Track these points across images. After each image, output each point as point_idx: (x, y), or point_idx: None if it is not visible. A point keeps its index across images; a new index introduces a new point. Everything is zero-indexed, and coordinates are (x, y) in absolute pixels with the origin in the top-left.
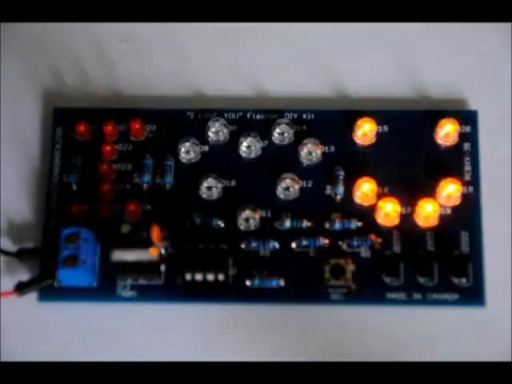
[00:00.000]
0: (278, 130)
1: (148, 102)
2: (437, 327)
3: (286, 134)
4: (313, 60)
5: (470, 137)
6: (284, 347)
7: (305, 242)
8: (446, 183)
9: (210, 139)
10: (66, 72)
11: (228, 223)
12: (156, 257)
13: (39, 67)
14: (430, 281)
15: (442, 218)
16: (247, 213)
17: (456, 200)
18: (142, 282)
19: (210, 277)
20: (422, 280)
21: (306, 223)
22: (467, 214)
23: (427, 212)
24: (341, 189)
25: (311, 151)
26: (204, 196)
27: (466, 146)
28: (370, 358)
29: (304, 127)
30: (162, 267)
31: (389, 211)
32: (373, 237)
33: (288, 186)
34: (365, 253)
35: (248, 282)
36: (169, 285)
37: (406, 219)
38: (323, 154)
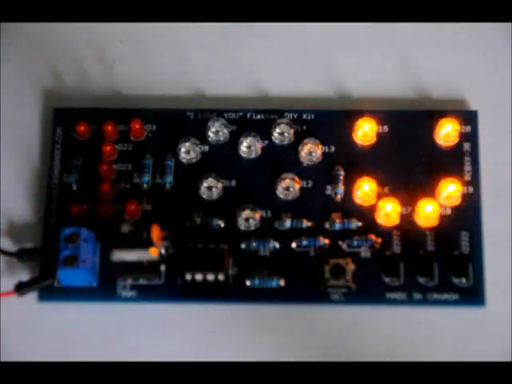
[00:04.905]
0: (278, 130)
1: (148, 102)
2: (437, 327)
3: (286, 134)
4: (313, 60)
5: (469, 137)
6: (284, 347)
7: (305, 242)
8: (445, 183)
9: (210, 139)
10: (66, 72)
11: (228, 223)
12: (156, 256)
13: (39, 67)
14: (430, 281)
15: (442, 218)
16: (247, 213)
17: (456, 200)
18: (142, 282)
19: (210, 277)
20: (422, 280)
21: (305, 223)
22: (467, 214)
23: (427, 212)
24: (341, 189)
25: (311, 151)
26: (204, 196)
27: (466, 146)
28: (370, 358)
29: (304, 127)
30: (162, 267)
31: (389, 211)
32: (373, 236)
33: (288, 186)
34: (365, 253)
35: (248, 282)
36: (169, 285)
37: (406, 219)
38: (323, 153)
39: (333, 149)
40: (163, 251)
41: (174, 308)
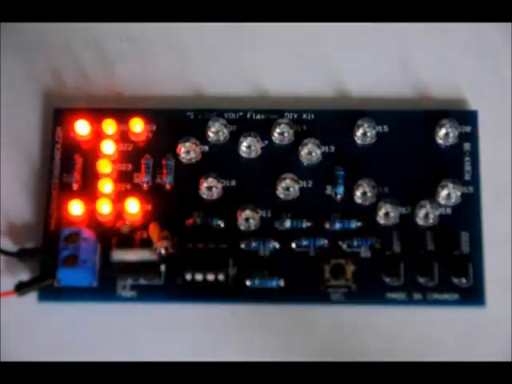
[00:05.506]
0: (278, 130)
1: (148, 102)
2: (437, 327)
3: (285, 134)
4: (313, 60)
5: (470, 137)
6: (284, 347)
7: (305, 242)
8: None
9: (210, 139)
10: (66, 72)
11: (228, 223)
12: (155, 255)
13: (39, 67)
14: (430, 281)
15: (442, 218)
16: (247, 213)
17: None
18: (142, 282)
19: (210, 277)
20: (422, 280)
21: (306, 223)
22: (467, 214)
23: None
24: (341, 189)
25: (311, 151)
26: (204, 196)
27: (466, 145)
28: (370, 358)
29: (304, 127)
30: (162, 267)
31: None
32: (373, 237)
33: (288, 186)
34: (365, 253)
35: (248, 282)
36: (169, 285)
37: (406, 219)
38: (323, 154)
39: (333, 149)
40: (163, 251)
41: (174, 308)
